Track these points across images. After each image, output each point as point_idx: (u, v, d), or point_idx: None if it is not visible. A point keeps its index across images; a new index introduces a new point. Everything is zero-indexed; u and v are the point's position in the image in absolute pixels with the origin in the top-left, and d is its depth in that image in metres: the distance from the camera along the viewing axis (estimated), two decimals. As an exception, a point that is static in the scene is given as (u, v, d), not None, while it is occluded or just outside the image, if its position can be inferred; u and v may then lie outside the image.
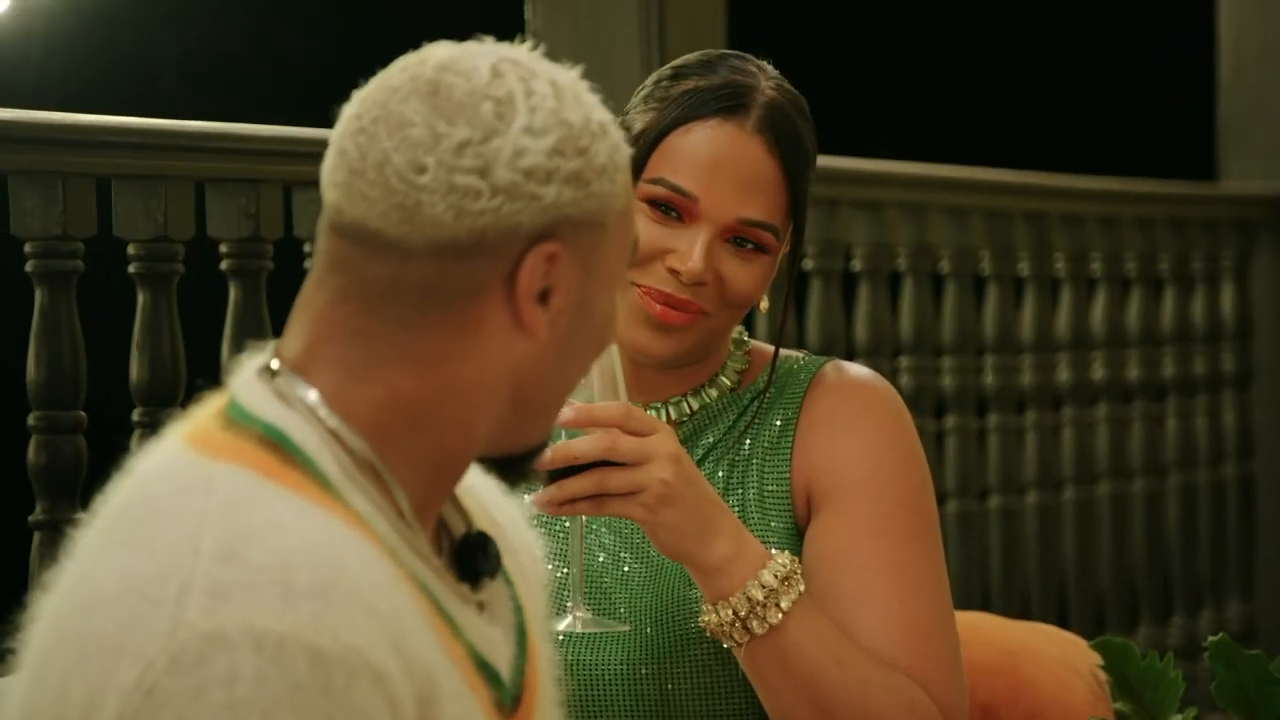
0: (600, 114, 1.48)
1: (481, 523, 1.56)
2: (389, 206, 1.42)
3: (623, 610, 2.07)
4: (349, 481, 1.42)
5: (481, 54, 1.46)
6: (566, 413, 1.92)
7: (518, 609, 1.56)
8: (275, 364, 1.46)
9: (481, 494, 1.60)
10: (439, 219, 1.41)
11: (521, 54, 1.48)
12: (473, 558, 1.51)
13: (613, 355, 1.95)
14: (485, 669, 1.48)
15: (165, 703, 1.30)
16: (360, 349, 1.43)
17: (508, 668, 1.51)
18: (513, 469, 1.53)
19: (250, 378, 1.46)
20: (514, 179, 1.42)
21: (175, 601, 1.32)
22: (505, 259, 1.43)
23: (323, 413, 1.43)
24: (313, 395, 1.43)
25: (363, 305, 1.43)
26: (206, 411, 1.46)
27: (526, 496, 1.94)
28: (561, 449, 1.91)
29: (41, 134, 2.84)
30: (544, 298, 1.45)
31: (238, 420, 1.43)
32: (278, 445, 1.42)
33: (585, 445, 1.92)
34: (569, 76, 1.48)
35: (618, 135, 1.49)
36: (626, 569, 2.09)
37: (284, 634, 1.31)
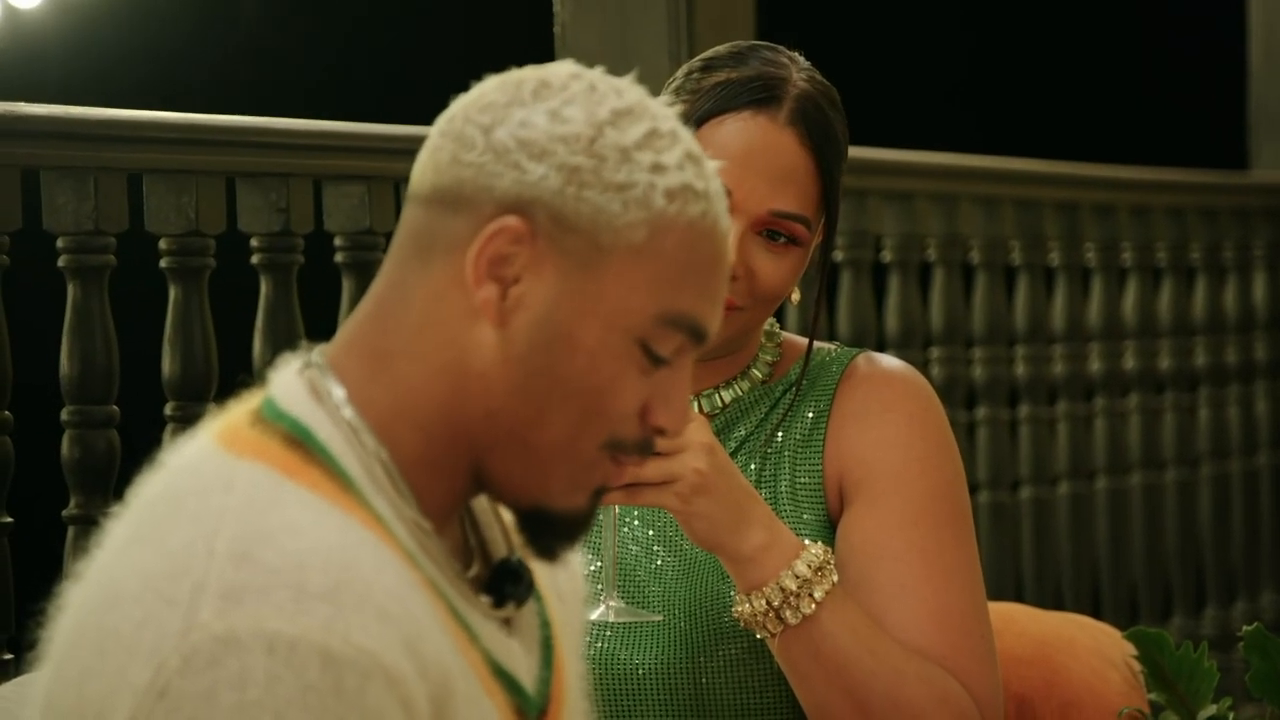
0: (650, 156, 1.42)
1: (523, 549, 1.53)
2: (425, 156, 1.45)
3: (656, 603, 2.07)
4: (370, 482, 1.41)
5: (594, 74, 1.46)
6: None
7: (545, 624, 1.54)
8: (316, 357, 1.46)
9: None
10: (440, 164, 1.43)
11: (625, 85, 1.46)
12: (503, 582, 1.49)
13: None
14: (503, 675, 1.46)
15: (177, 704, 1.30)
16: (380, 334, 1.43)
17: (530, 679, 1.49)
18: (543, 532, 1.47)
19: (291, 372, 1.46)
20: (508, 144, 1.41)
21: (189, 602, 1.32)
22: (476, 219, 1.41)
23: (345, 409, 1.42)
24: (339, 391, 1.43)
25: (388, 277, 1.44)
26: (242, 407, 1.46)
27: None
28: None
29: (73, 129, 2.85)
30: (506, 282, 1.41)
31: (268, 417, 1.43)
32: (302, 443, 1.41)
33: None
34: (660, 119, 1.44)
35: (653, 179, 1.41)
36: (660, 562, 2.09)
37: (296, 636, 1.31)
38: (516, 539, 1.53)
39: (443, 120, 1.46)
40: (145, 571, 1.35)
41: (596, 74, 1.46)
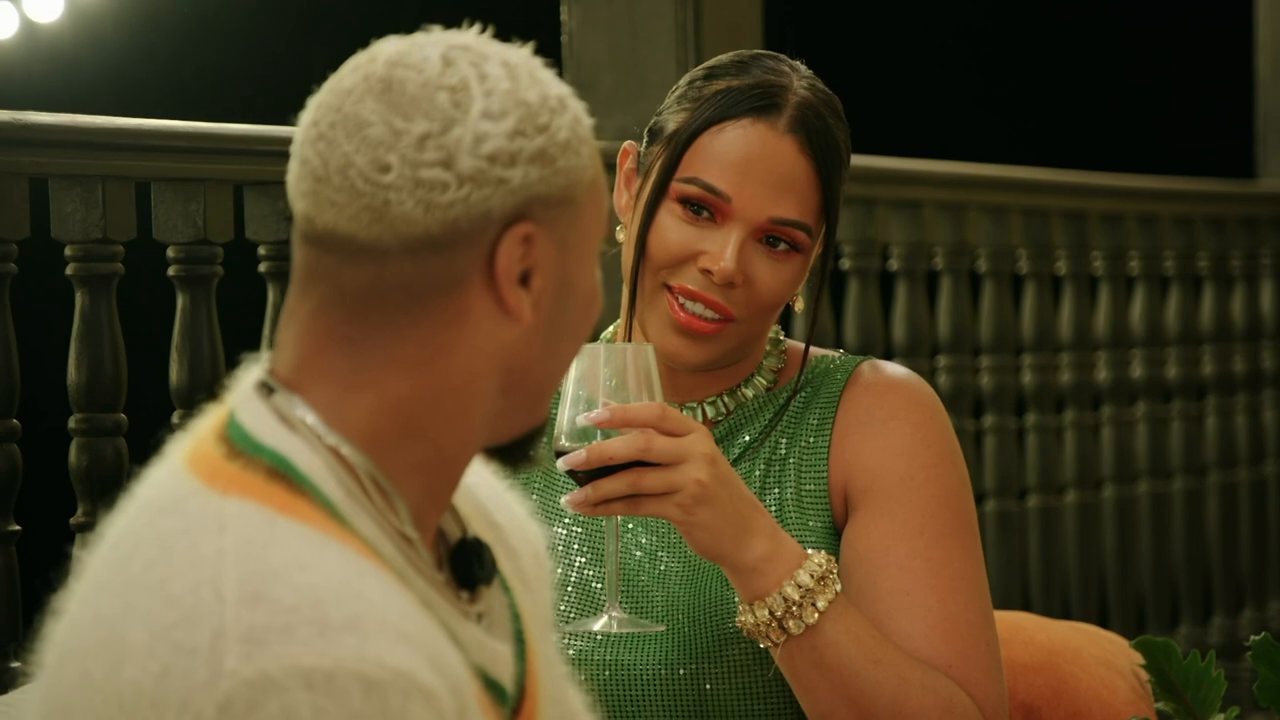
0: (557, 89, 1.46)
1: (479, 526, 1.56)
2: (358, 210, 1.41)
3: (660, 608, 2.07)
4: (354, 505, 1.41)
5: (430, 44, 1.45)
6: (602, 413, 1.92)
7: (515, 616, 1.55)
8: (271, 380, 1.44)
9: (480, 494, 1.59)
10: (409, 215, 1.40)
11: (471, 39, 1.46)
12: (468, 565, 1.50)
13: (648, 356, 1.95)
14: (494, 688, 1.47)
15: None
16: (350, 358, 1.42)
17: (508, 677, 1.50)
18: (514, 454, 1.52)
19: (249, 396, 1.45)
20: (479, 165, 1.41)
21: (210, 650, 1.31)
22: (481, 246, 1.42)
23: (321, 431, 1.42)
24: (310, 416, 1.42)
25: (347, 313, 1.42)
26: (206, 431, 1.45)
27: (563, 498, 1.95)
28: (596, 449, 1.91)
29: (81, 138, 2.85)
30: (525, 280, 1.44)
31: (243, 449, 1.42)
32: (285, 475, 1.40)
33: (620, 445, 1.91)
34: (522, 55, 1.46)
35: (577, 107, 1.47)
36: (664, 567, 2.09)
37: (331, 668, 1.30)
38: (467, 513, 1.55)
39: (337, 175, 1.41)
40: (152, 620, 1.33)
41: (451, 50, 1.44)
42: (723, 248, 2.04)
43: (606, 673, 2.06)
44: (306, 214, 1.43)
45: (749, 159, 2.05)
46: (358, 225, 1.41)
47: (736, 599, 2.03)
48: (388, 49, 1.45)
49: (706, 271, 2.05)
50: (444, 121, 1.41)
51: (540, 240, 1.43)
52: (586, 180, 1.46)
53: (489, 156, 1.41)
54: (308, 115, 1.45)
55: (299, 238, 1.44)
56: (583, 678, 2.06)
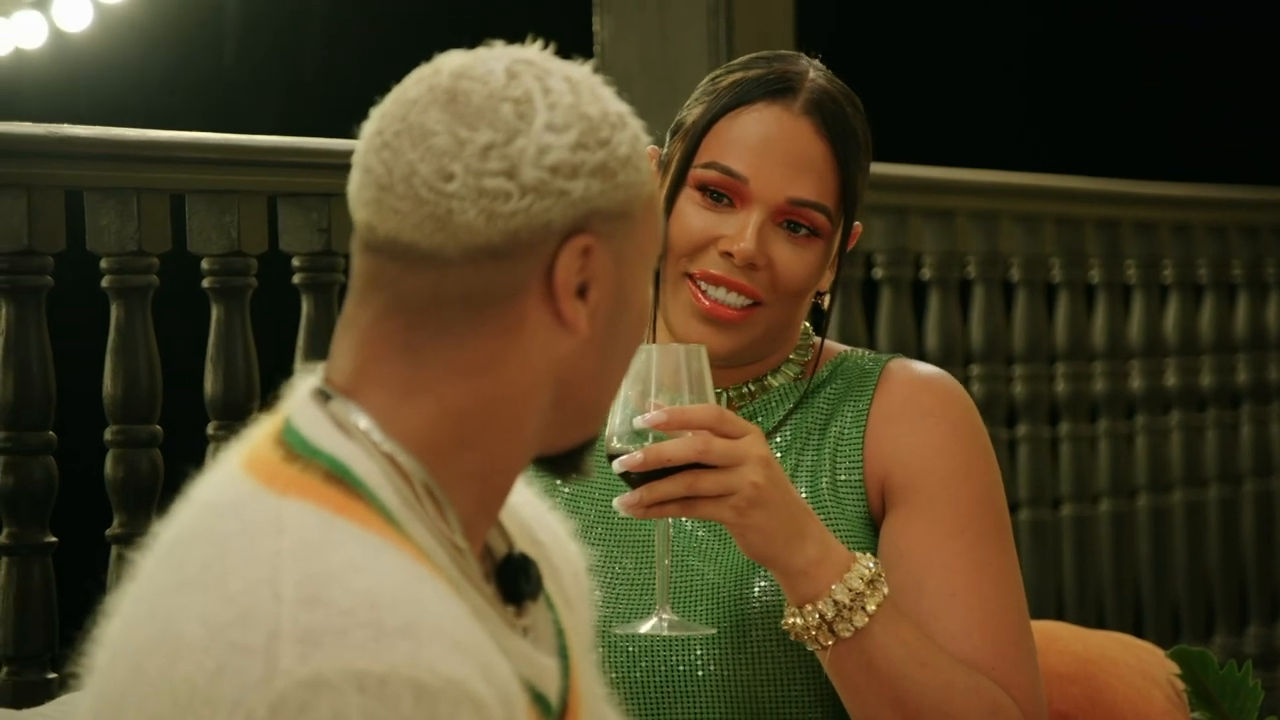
0: (617, 105, 1.48)
1: (523, 543, 1.56)
2: (421, 218, 1.42)
3: (702, 588, 2.07)
4: (409, 512, 1.42)
5: (495, 58, 1.46)
6: (659, 415, 1.92)
7: (559, 632, 1.55)
8: (327, 387, 1.46)
9: (524, 513, 1.60)
10: (472, 224, 1.42)
11: (534, 54, 1.47)
12: (515, 580, 1.51)
13: (701, 357, 1.95)
14: (540, 701, 1.47)
15: None
16: (409, 365, 1.43)
17: (553, 691, 1.50)
18: (564, 464, 1.53)
19: (305, 402, 1.46)
20: (541, 177, 1.42)
21: (265, 649, 1.32)
22: (540, 257, 1.43)
23: (377, 437, 1.43)
24: (364, 421, 1.43)
25: (407, 320, 1.43)
26: (263, 436, 1.46)
27: (615, 500, 1.95)
28: (654, 451, 1.91)
29: (116, 150, 2.87)
30: (582, 292, 1.45)
31: (300, 452, 1.43)
32: (341, 479, 1.41)
33: (678, 448, 1.91)
34: (583, 72, 1.48)
35: (636, 125, 1.49)
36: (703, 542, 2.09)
37: (384, 673, 1.31)
38: (513, 530, 1.56)
39: (401, 184, 1.42)
40: (208, 618, 1.34)
41: (516, 64, 1.46)
42: (742, 229, 2.05)
43: (640, 673, 2.06)
44: (369, 222, 1.44)
45: (766, 140, 2.06)
46: (420, 234, 1.42)
47: (761, 599, 2.03)
48: (452, 61, 1.47)
49: (727, 254, 2.06)
50: (508, 132, 1.43)
51: (598, 253, 1.45)
52: (644, 196, 1.48)
53: (552, 168, 1.43)
54: (371, 125, 1.46)
55: (360, 246, 1.46)
56: (618, 678, 2.06)
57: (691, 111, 2.12)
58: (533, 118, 1.43)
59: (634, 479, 1.93)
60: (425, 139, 1.43)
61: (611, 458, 1.93)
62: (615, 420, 1.93)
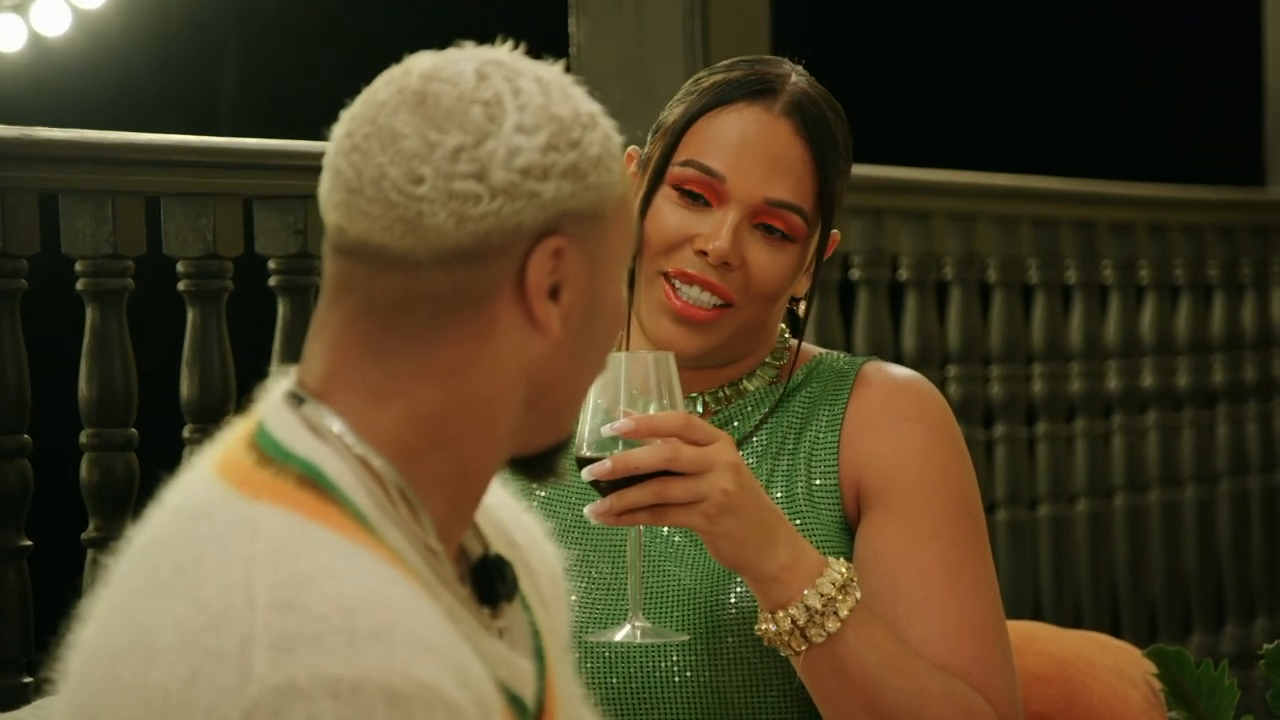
0: (588, 105, 1.48)
1: (499, 545, 1.56)
2: (391, 221, 1.42)
3: (676, 590, 2.07)
4: (382, 515, 1.42)
5: (464, 59, 1.46)
6: (626, 423, 1.92)
7: (535, 634, 1.55)
8: (300, 391, 1.45)
9: (500, 514, 1.60)
10: (442, 227, 1.41)
11: (504, 55, 1.47)
12: (490, 581, 1.51)
13: (670, 364, 1.95)
14: (516, 703, 1.47)
15: None
16: (380, 368, 1.43)
17: (529, 693, 1.51)
18: (538, 466, 1.53)
19: (278, 406, 1.45)
20: (511, 179, 1.42)
21: (238, 655, 1.32)
22: (512, 259, 1.43)
23: (349, 440, 1.43)
24: (338, 425, 1.43)
25: (377, 323, 1.43)
26: (235, 440, 1.45)
27: (586, 509, 1.95)
28: (622, 459, 1.91)
29: (91, 153, 2.86)
30: (554, 294, 1.45)
31: (273, 456, 1.42)
32: (315, 483, 1.41)
33: (646, 455, 1.91)
34: (554, 72, 1.48)
35: (608, 125, 1.48)
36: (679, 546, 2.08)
37: (357, 678, 1.31)
38: (488, 531, 1.55)
39: (371, 186, 1.42)
40: (181, 624, 1.34)
41: (485, 65, 1.45)
42: (718, 228, 2.05)
43: (616, 679, 2.06)
44: (339, 225, 1.44)
45: (744, 139, 2.07)
46: (390, 236, 1.42)
47: (737, 605, 2.03)
48: (422, 63, 1.46)
49: (702, 253, 2.06)
50: (478, 135, 1.42)
51: (570, 254, 1.45)
52: (616, 197, 1.48)
53: (522, 170, 1.42)
54: (341, 127, 1.46)
55: (331, 249, 1.45)
56: (593, 683, 2.06)
57: (672, 111, 2.12)
58: (503, 120, 1.43)
59: (604, 487, 1.92)
60: (395, 141, 1.42)
61: (582, 465, 1.93)
62: (585, 428, 1.93)
